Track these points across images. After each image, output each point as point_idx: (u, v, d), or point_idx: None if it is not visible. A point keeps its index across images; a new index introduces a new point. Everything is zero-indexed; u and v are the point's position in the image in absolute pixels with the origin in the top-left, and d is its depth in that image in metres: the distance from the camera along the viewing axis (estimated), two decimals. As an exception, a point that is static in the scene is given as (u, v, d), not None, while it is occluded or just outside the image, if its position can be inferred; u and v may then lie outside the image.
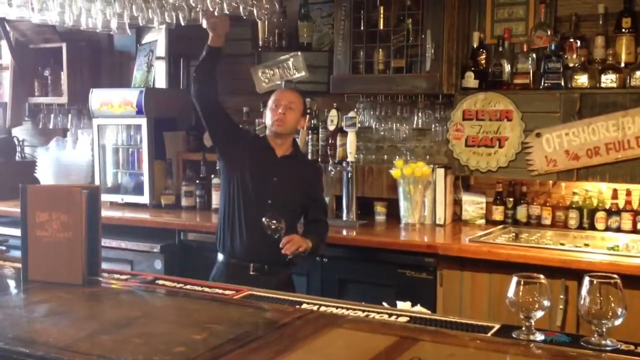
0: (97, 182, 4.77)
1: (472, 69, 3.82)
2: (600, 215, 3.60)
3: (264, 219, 3.05)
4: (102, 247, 2.35)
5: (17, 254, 2.36)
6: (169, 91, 4.95)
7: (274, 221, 3.04)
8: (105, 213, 4.25)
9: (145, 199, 4.63)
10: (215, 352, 1.58)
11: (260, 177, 3.26)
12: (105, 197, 4.67)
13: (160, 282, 2.32)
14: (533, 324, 1.69)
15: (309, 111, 4.09)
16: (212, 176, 4.47)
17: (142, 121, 4.58)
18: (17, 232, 2.48)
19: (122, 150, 4.88)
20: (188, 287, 2.25)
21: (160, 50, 4.94)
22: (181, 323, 1.91)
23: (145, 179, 4.64)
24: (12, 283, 2.31)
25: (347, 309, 1.98)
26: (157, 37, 4.93)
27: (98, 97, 4.72)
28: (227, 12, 3.12)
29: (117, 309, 2.08)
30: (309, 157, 4.17)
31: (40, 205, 2.22)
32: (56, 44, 5.17)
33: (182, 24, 3.34)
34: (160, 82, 4.95)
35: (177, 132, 4.75)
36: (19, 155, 5.45)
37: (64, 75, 5.12)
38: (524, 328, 1.70)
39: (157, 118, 4.62)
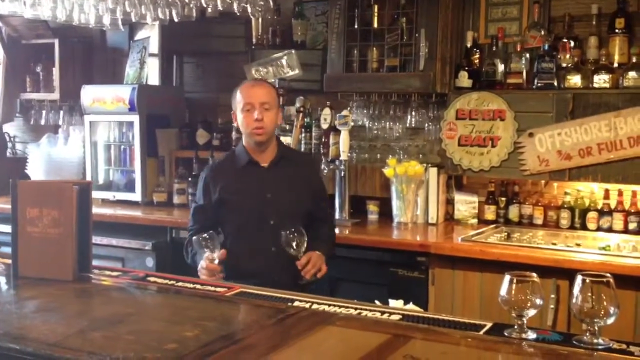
0: (88, 179, 4.74)
1: (466, 68, 3.82)
2: (592, 215, 3.60)
3: (283, 233, 2.70)
4: (93, 245, 2.34)
5: (7, 250, 2.35)
6: (162, 88, 4.94)
7: (295, 235, 2.69)
8: (96, 210, 4.23)
9: (137, 196, 4.61)
10: (207, 349, 1.57)
11: (253, 199, 2.92)
12: (96, 194, 4.65)
13: (152, 279, 2.31)
14: (525, 322, 1.69)
15: (301, 109, 4.08)
16: (205, 174, 4.45)
17: (135, 118, 4.57)
18: (7, 228, 2.46)
19: (114, 147, 4.86)
20: (180, 284, 2.24)
21: (154, 46, 4.92)
22: (173, 320, 1.90)
23: (137, 176, 4.62)
24: (2, 279, 2.29)
25: (340, 306, 1.97)
26: (150, 34, 4.92)
27: (90, 94, 4.70)
28: (221, 9, 3.12)
29: (108, 305, 2.07)
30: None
31: (30, 201, 2.21)
32: (48, 40, 5.13)
33: (176, 20, 3.34)
34: (153, 79, 4.94)
35: (170, 130, 4.74)
36: (10, 151, 5.42)
37: (56, 72, 5.10)
38: (516, 326, 1.69)
39: (150, 115, 4.60)
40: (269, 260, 2.84)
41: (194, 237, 2.68)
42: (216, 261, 2.60)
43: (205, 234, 2.63)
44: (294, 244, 2.68)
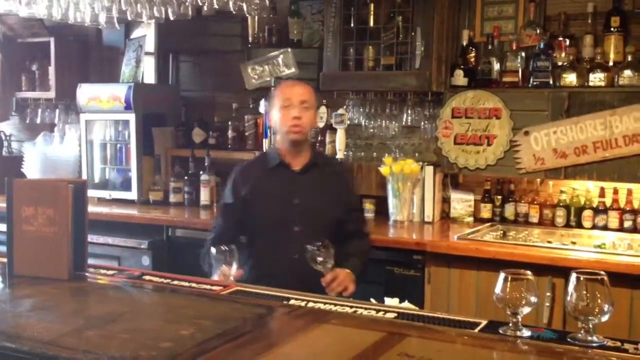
0: (84, 178, 4.73)
1: (462, 67, 3.83)
2: (587, 213, 3.61)
3: (309, 247, 2.51)
4: (89, 243, 2.33)
5: (2, 248, 2.34)
6: (158, 87, 4.94)
7: (322, 250, 2.49)
8: (92, 209, 4.25)
9: (133, 195, 4.61)
10: (203, 347, 1.57)
11: (279, 203, 2.82)
12: (92, 193, 4.65)
13: (147, 277, 2.31)
14: (520, 320, 1.69)
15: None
16: (201, 172, 4.46)
17: (131, 117, 4.56)
18: (2, 226, 2.45)
19: (110, 145, 4.86)
20: (175, 282, 2.23)
21: (150, 45, 4.92)
22: (168, 318, 1.90)
23: (133, 174, 4.61)
24: (-3, 278, 2.29)
25: (335, 304, 1.98)
26: (146, 32, 4.91)
27: (86, 92, 4.70)
28: (217, 7, 3.12)
29: (103, 304, 2.06)
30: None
31: (26, 200, 2.20)
32: (44, 39, 5.13)
33: (171, 18, 3.34)
34: (149, 77, 4.94)
35: (166, 128, 4.74)
36: (5, 150, 5.41)
37: (51, 70, 5.09)
38: (510, 324, 1.70)
39: (146, 114, 4.60)
40: (290, 268, 2.70)
41: (213, 249, 2.47)
42: (231, 278, 2.38)
43: (226, 247, 2.42)
44: (319, 259, 2.49)
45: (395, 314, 1.89)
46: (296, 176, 2.86)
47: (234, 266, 2.39)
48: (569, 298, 1.63)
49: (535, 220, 3.76)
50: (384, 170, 3.89)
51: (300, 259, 2.63)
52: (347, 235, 2.89)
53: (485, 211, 3.87)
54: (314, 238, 2.59)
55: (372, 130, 4.16)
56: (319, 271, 2.53)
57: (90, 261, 2.34)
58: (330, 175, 2.94)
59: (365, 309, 1.95)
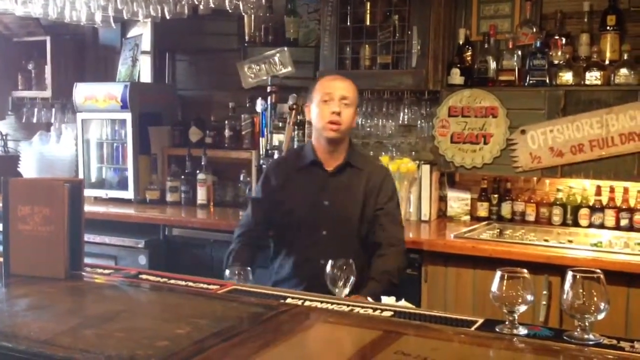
0: (80, 177, 4.73)
1: (458, 65, 3.83)
2: (584, 211, 3.62)
3: (328, 266, 2.19)
4: (86, 243, 2.33)
5: (-1, 248, 2.34)
6: (154, 86, 4.93)
7: (342, 272, 2.19)
8: (89, 208, 4.23)
9: (129, 194, 4.60)
10: (199, 346, 1.57)
11: (307, 204, 2.69)
12: (89, 192, 4.65)
13: (144, 276, 2.31)
14: (516, 318, 1.69)
15: (293, 106, 4.05)
16: (198, 172, 4.46)
17: (127, 116, 4.55)
18: (-2, 226, 2.45)
19: (106, 145, 4.85)
20: (172, 281, 2.23)
21: (146, 44, 4.91)
22: (165, 317, 1.90)
23: (130, 174, 4.61)
24: (-7, 277, 2.29)
25: (332, 303, 1.97)
26: (143, 31, 4.91)
27: (82, 92, 4.69)
28: (213, 6, 3.11)
29: (100, 303, 2.06)
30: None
31: (22, 199, 2.20)
32: (40, 38, 5.12)
33: (168, 17, 3.33)
34: (146, 76, 4.93)
35: (162, 127, 4.73)
36: (2, 149, 5.40)
37: (47, 69, 5.08)
38: (507, 322, 1.70)
39: (142, 113, 4.59)
40: (316, 273, 2.41)
41: (228, 270, 2.36)
42: None
43: (241, 269, 2.32)
44: (340, 283, 2.18)
45: (392, 313, 1.89)
46: (328, 177, 2.73)
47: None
48: (565, 296, 1.63)
49: (531, 218, 3.77)
50: (380, 169, 3.88)
51: (326, 265, 2.34)
52: (373, 246, 2.70)
53: (482, 210, 3.88)
54: (342, 244, 2.49)
55: (368, 129, 4.16)
56: (335, 295, 2.20)
57: (87, 261, 2.34)
58: (364, 177, 2.75)
59: (362, 307, 1.95)
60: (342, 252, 2.37)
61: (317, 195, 2.71)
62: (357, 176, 2.76)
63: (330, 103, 2.66)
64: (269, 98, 4.14)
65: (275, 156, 3.85)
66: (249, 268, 2.36)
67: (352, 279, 2.18)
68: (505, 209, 3.84)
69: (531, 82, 3.63)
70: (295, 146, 3.91)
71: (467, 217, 3.90)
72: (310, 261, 2.64)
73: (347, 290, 2.19)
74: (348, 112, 2.69)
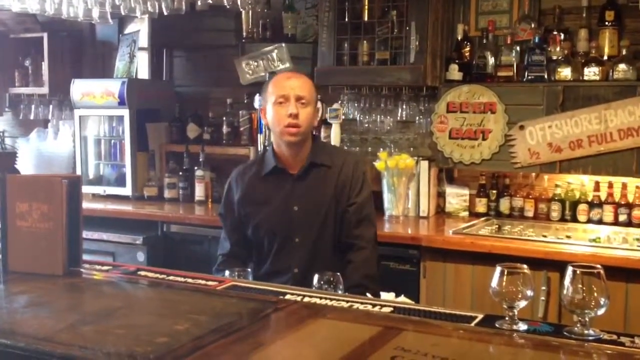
0: (78, 174, 4.71)
1: (456, 61, 3.82)
2: (582, 207, 3.62)
3: (315, 281, 2.11)
4: (84, 239, 2.32)
5: (-3, 245, 2.33)
6: (152, 82, 4.92)
7: (330, 283, 2.12)
8: (87, 205, 4.23)
9: (127, 190, 4.60)
10: (198, 342, 1.56)
11: (275, 212, 2.55)
12: (87, 189, 4.64)
13: (143, 273, 2.30)
14: (516, 314, 1.69)
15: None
16: (195, 168, 4.45)
17: (125, 112, 4.55)
18: (-4, 223, 2.44)
19: (104, 141, 4.85)
20: (170, 278, 2.22)
21: (143, 40, 4.90)
22: (163, 314, 1.89)
23: (128, 170, 4.60)
24: (-9, 274, 2.28)
25: (331, 299, 1.97)
26: (140, 27, 4.89)
27: (79, 88, 4.68)
28: (211, 2, 3.10)
29: (98, 299, 2.06)
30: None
31: (20, 196, 2.19)
32: (37, 34, 5.10)
33: (165, 13, 3.32)
34: (143, 72, 4.92)
35: (160, 124, 4.72)
36: (-1, 146, 5.40)
37: (45, 66, 5.07)
38: (507, 318, 1.70)
39: (140, 109, 4.58)
40: (289, 283, 2.40)
41: (227, 271, 2.26)
42: None
43: (241, 269, 2.25)
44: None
45: (391, 309, 1.89)
46: (294, 181, 2.58)
47: None
48: (565, 292, 1.63)
49: (530, 214, 3.77)
50: (378, 165, 3.88)
51: (301, 274, 2.45)
52: (343, 245, 2.56)
53: (481, 205, 3.88)
54: (315, 250, 2.38)
55: (367, 125, 4.16)
56: None
57: (85, 257, 2.33)
58: (335, 173, 2.59)
59: (361, 303, 1.94)
60: (315, 259, 2.34)
61: (284, 202, 2.56)
62: (326, 174, 2.60)
63: (286, 105, 2.49)
64: (266, 94, 4.13)
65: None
66: (248, 269, 2.30)
67: (339, 292, 2.10)
68: (504, 205, 3.84)
69: (530, 77, 3.62)
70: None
71: (466, 213, 3.90)
72: (283, 271, 2.53)
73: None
74: (306, 112, 2.52)
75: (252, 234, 2.62)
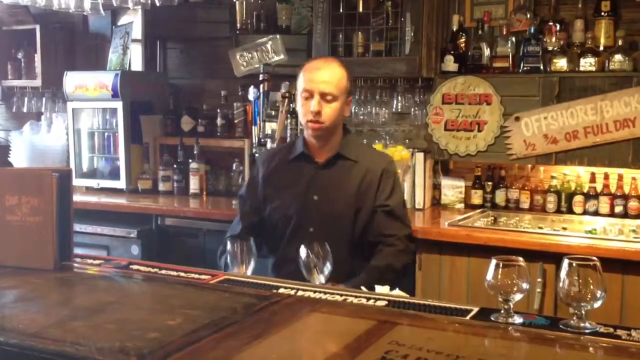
0: (72, 167, 4.69)
1: (452, 52, 3.80)
2: (578, 199, 3.61)
3: (303, 253, 2.09)
4: (78, 233, 2.31)
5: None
6: (146, 74, 4.88)
7: (316, 253, 2.09)
8: (80, 198, 4.23)
9: (121, 183, 4.57)
10: (191, 337, 1.55)
11: (294, 199, 2.54)
12: (80, 182, 4.62)
13: (135, 267, 2.28)
14: (512, 306, 1.68)
15: (286, 95, 4.01)
16: (190, 161, 4.42)
17: (118, 105, 4.51)
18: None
19: (97, 134, 4.82)
20: (163, 272, 2.20)
21: (137, 32, 4.86)
22: (156, 308, 1.88)
23: (122, 163, 4.57)
24: (-19, 269, 2.25)
25: (325, 293, 1.95)
26: (133, 19, 4.86)
27: (73, 80, 4.64)
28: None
29: (89, 294, 2.03)
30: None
31: (9, 189, 2.16)
32: (29, 26, 5.06)
33: (158, 4, 3.29)
34: (137, 65, 4.88)
35: (154, 116, 4.69)
36: (-8, 139, 5.36)
37: (37, 58, 5.03)
38: (502, 311, 1.68)
39: (134, 101, 4.55)
40: (300, 274, 2.24)
41: (229, 243, 2.19)
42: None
43: (243, 243, 2.17)
44: (316, 271, 2.09)
45: (386, 302, 1.87)
46: (318, 170, 2.57)
47: (252, 264, 2.16)
48: (561, 284, 1.62)
49: (526, 206, 3.75)
50: (374, 157, 3.86)
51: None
52: (369, 245, 2.55)
53: (476, 197, 3.86)
54: (331, 244, 2.22)
55: (362, 116, 4.14)
56: (307, 282, 2.10)
57: (79, 251, 2.32)
58: (360, 171, 2.58)
59: (356, 297, 1.93)
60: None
61: (305, 189, 2.56)
62: (351, 169, 2.59)
63: (310, 100, 2.49)
64: (261, 86, 4.10)
65: (268, 145, 3.82)
66: (251, 242, 2.17)
67: (328, 265, 2.08)
68: (500, 197, 3.82)
69: (525, 68, 3.60)
70: (289, 135, 3.83)
71: (461, 205, 3.88)
72: (294, 261, 2.39)
73: (322, 278, 2.09)
74: (330, 108, 2.50)
75: (268, 217, 2.61)
